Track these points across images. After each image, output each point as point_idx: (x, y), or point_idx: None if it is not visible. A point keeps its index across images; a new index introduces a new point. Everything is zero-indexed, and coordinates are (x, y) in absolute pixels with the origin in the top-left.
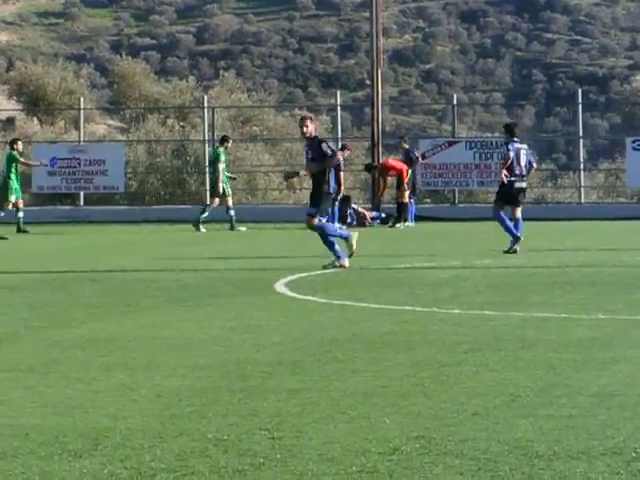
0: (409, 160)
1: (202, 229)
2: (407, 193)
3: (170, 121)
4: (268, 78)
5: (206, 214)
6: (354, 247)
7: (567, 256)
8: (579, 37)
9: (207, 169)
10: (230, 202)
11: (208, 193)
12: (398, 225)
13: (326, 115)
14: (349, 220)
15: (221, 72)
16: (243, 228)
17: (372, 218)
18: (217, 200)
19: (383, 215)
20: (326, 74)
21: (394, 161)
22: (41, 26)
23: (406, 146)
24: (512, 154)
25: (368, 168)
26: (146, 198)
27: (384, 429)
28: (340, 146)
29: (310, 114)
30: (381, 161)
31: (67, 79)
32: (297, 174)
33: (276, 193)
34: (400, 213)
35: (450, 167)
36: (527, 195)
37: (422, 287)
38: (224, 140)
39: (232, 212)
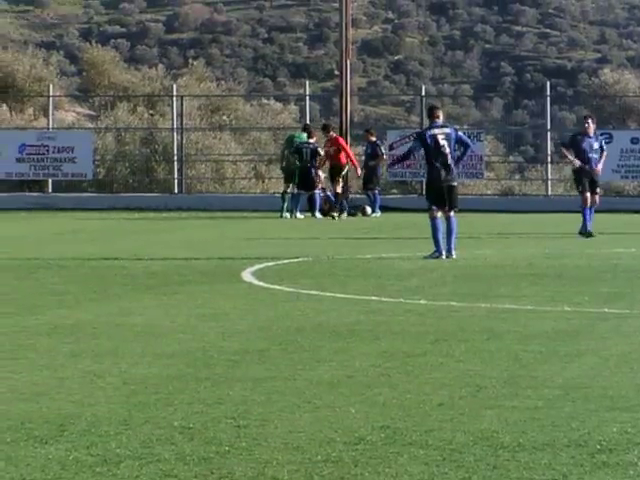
0: (375, 154)
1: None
2: (341, 185)
3: (139, 109)
4: (237, 67)
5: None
6: None
7: (533, 248)
8: (548, 30)
9: (297, 160)
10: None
11: (298, 183)
12: (342, 216)
13: (295, 105)
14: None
15: (190, 61)
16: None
17: (327, 198)
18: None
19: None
20: (295, 64)
21: (346, 145)
22: (11, 13)
23: (373, 139)
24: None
25: (324, 128)
26: (114, 186)
27: (349, 419)
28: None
29: None
30: (335, 135)
31: (37, 66)
32: None
33: (244, 182)
34: (335, 203)
35: (417, 158)
36: (494, 187)
37: (389, 277)
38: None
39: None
